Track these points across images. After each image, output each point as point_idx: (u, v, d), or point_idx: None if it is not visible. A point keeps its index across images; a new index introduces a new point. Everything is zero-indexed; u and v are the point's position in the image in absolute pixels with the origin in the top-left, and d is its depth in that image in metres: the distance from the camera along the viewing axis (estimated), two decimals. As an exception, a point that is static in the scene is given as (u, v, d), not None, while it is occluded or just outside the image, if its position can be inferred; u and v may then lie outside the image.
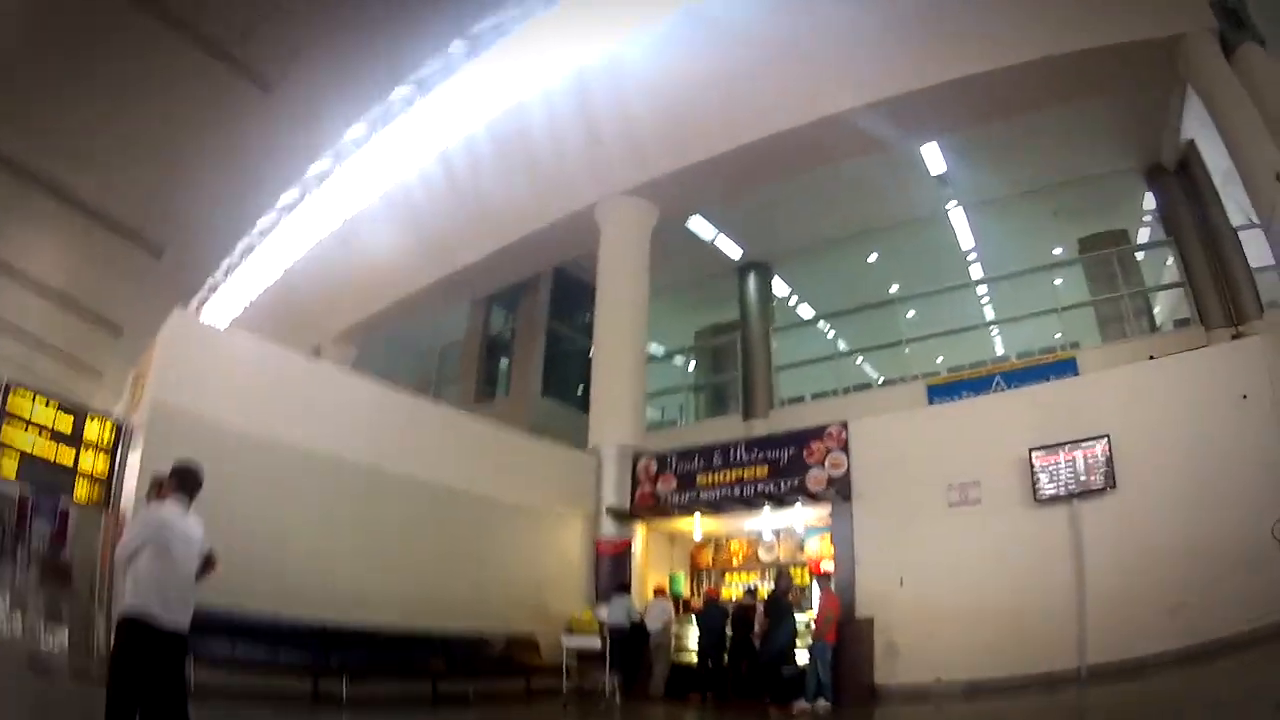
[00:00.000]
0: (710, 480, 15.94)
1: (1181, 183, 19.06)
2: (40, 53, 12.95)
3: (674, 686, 14.22)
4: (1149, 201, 20.75)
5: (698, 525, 16.73)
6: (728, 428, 21.00)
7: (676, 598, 16.76)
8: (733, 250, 24.22)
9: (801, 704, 12.04)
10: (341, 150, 25.28)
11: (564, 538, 16.00)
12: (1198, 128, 17.34)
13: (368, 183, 25.35)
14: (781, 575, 13.94)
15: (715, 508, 15.89)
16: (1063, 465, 12.30)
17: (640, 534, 16.67)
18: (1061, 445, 12.34)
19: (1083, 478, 12.10)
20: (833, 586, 13.30)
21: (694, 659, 14.57)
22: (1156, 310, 21.33)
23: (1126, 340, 19.11)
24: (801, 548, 17.54)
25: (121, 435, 11.27)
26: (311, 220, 28.09)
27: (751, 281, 24.68)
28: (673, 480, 16.36)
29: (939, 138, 19.08)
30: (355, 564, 12.06)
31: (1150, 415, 12.16)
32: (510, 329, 24.34)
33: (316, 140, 19.44)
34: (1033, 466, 12.49)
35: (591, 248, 19.64)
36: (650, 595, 16.06)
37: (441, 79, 21.91)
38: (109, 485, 11.02)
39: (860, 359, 24.98)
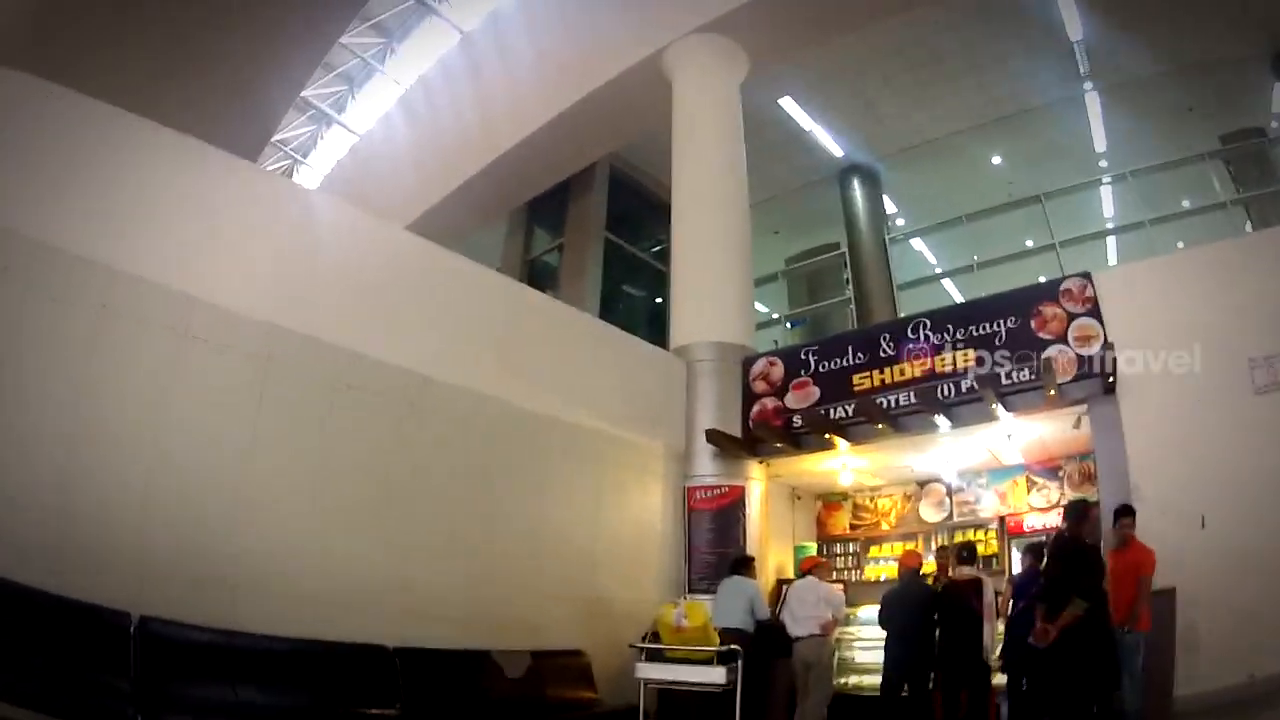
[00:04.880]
0: (878, 381, 8.84)
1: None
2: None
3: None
4: (1275, 102, 15.80)
5: (847, 462, 9.45)
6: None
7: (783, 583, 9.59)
8: (833, 148, 17.43)
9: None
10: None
11: (639, 483, 8.99)
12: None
13: (382, 90, 19.52)
14: (1077, 507, 6.52)
15: (894, 423, 8.55)
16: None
17: (758, 480, 9.53)
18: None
19: None
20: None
21: (871, 682, 7.71)
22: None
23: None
24: (979, 500, 10.50)
25: None
26: (324, 146, 22.38)
27: (857, 187, 17.82)
28: (812, 388, 9.28)
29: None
30: (253, 513, 5.76)
31: None
32: (557, 245, 17.32)
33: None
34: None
35: (657, 121, 13.00)
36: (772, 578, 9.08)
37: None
38: None
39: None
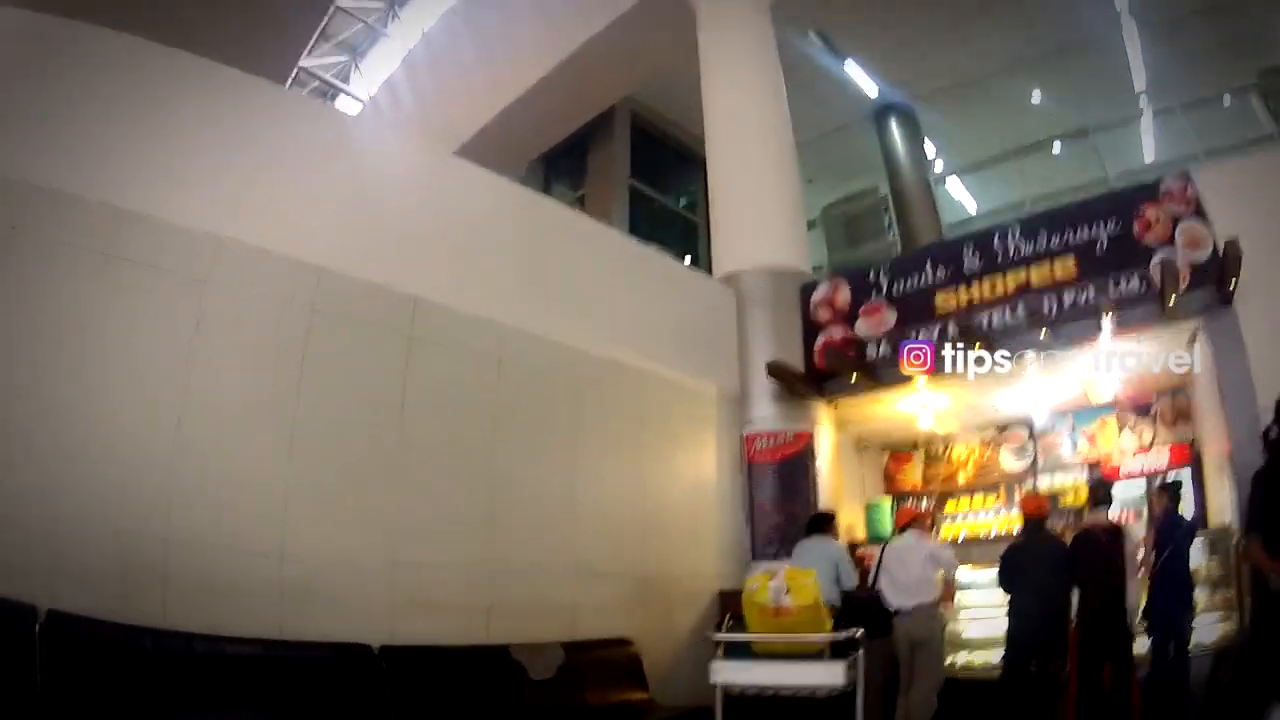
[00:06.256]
0: (964, 300, 7.28)
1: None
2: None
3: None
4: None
5: (927, 401, 7.86)
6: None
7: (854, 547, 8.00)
8: (867, 88, 15.91)
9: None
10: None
11: (691, 432, 7.50)
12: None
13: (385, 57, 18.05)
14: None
15: (990, 346, 6.95)
16: None
17: (827, 426, 8.02)
18: None
19: None
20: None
21: (983, 660, 6.25)
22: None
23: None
24: (1073, 446, 8.97)
25: None
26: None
27: (895, 128, 16.32)
28: (887, 312, 7.73)
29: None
30: (191, 482, 4.33)
31: None
32: (578, 199, 15.81)
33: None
34: None
35: (678, 57, 11.79)
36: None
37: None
38: None
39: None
